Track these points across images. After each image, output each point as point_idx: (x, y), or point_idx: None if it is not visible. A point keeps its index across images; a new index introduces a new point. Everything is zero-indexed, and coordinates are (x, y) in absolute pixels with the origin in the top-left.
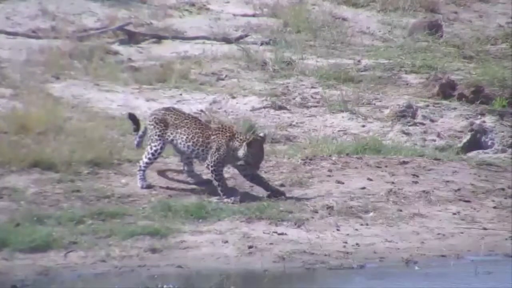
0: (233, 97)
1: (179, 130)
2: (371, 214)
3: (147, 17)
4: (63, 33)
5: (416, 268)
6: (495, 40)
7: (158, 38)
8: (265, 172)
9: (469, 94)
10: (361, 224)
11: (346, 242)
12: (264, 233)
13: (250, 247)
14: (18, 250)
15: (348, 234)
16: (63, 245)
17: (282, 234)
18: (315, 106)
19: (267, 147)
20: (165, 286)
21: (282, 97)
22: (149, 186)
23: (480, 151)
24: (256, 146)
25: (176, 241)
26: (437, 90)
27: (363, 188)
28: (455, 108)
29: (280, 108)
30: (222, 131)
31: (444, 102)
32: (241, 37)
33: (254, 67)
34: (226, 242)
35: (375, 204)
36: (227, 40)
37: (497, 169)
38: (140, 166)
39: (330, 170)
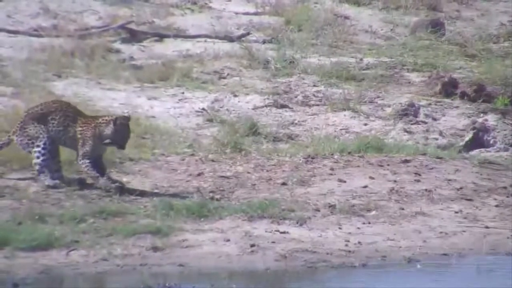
0: (235, 96)
1: (50, 117)
2: (373, 212)
3: (148, 15)
4: (65, 31)
5: (418, 266)
6: (498, 39)
7: (160, 37)
8: (267, 171)
9: (471, 93)
10: (363, 223)
11: (348, 241)
12: (266, 231)
13: (252, 245)
14: (20, 249)
15: (350, 233)
16: (65, 244)
17: (284, 232)
18: (317, 105)
19: (269, 145)
20: (166, 285)
21: (284, 95)
22: (59, 186)
23: (482, 149)
24: (121, 122)
25: (178, 240)
26: (439, 89)
27: (365, 186)
28: (457, 107)
29: (282, 106)
30: (87, 123)
31: (446, 100)
32: (243, 36)
33: (256, 65)
34: (228, 240)
35: (377, 203)
36: (229, 38)
37: (499, 167)
38: (38, 165)
39: (332, 169)
